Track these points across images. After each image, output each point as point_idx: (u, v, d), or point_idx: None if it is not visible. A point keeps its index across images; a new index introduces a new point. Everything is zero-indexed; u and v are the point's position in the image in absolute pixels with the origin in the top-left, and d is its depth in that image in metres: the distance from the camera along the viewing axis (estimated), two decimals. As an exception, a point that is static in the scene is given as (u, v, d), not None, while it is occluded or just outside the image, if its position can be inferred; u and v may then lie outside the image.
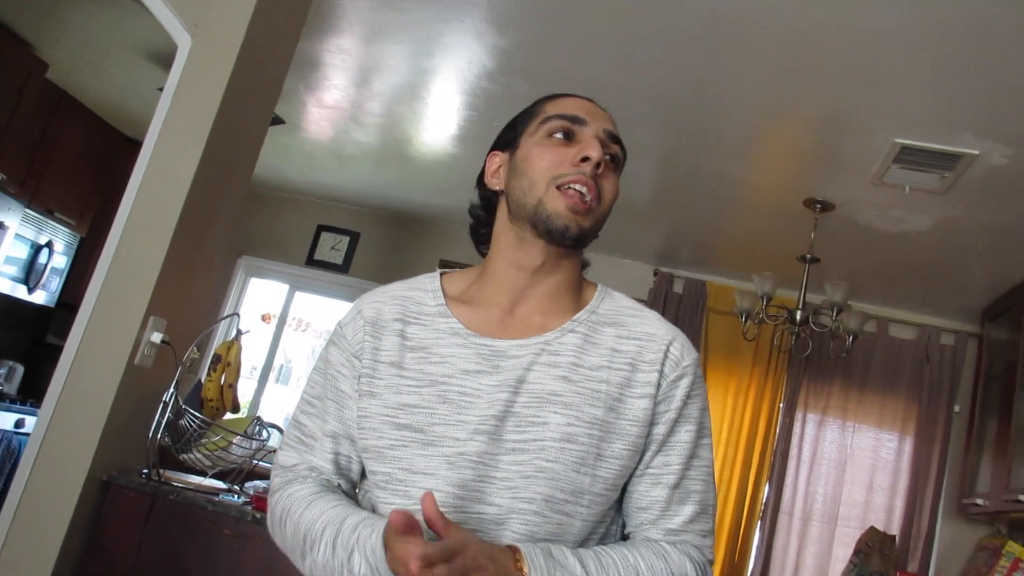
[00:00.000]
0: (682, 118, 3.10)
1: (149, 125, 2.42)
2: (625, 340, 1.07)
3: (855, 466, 4.41)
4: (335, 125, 3.98)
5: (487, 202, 1.16)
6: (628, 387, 1.04)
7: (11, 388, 4.51)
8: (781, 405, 4.56)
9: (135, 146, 2.47)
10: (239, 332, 2.44)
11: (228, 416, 2.43)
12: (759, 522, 4.45)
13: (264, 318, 5.27)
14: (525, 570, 0.91)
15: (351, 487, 1.13)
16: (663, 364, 1.06)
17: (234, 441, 2.26)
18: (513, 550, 0.93)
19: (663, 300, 4.69)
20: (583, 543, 1.03)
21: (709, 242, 4.45)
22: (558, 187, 1.05)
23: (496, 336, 1.06)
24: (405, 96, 3.46)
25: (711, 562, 1.07)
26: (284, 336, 5.23)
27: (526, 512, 0.99)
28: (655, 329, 1.09)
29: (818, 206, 3.50)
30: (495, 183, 1.14)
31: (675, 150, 3.41)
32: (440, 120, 3.63)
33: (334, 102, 3.70)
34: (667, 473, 1.05)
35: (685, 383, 1.06)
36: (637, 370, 1.05)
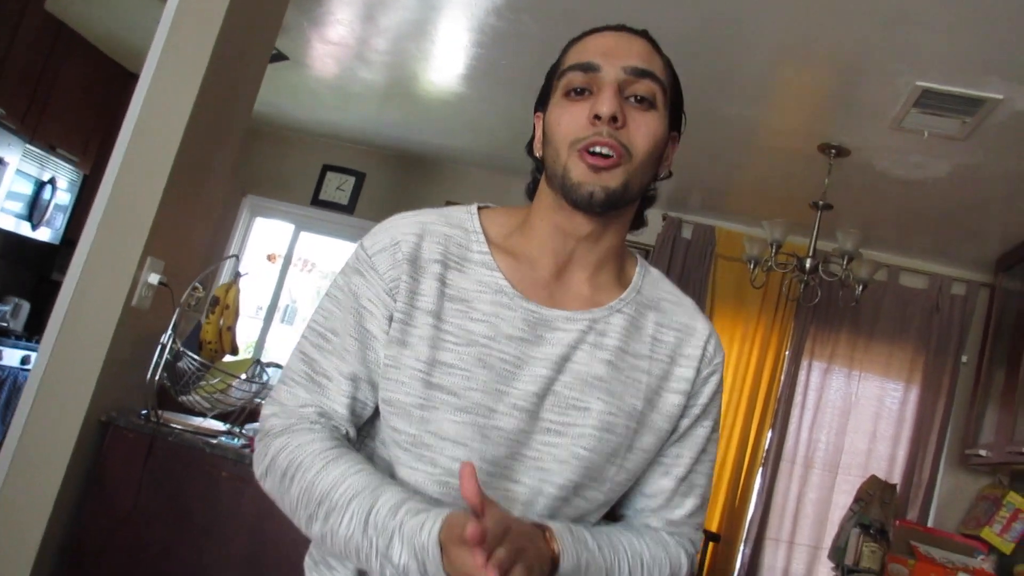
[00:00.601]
0: (696, 60, 3.00)
1: (148, 59, 2.36)
2: (665, 329, 1.04)
3: (859, 415, 4.40)
4: (340, 62, 3.89)
5: (538, 165, 1.06)
6: (666, 380, 1.02)
7: (17, 324, 4.52)
8: (787, 352, 4.54)
9: (137, 80, 2.40)
10: (238, 274, 2.41)
11: (228, 358, 2.41)
12: (760, 468, 4.47)
13: (269, 258, 5.25)
14: (556, 550, 0.88)
15: (356, 433, 1.02)
16: (700, 361, 1.04)
17: (233, 384, 2.25)
18: (543, 528, 0.89)
19: (671, 245, 4.64)
20: (583, 519, 1.01)
21: (720, 187, 4.37)
22: (579, 151, 0.95)
23: (542, 302, 0.99)
24: (412, 32, 3.35)
25: (697, 549, 1.09)
26: (289, 276, 5.20)
27: (554, 497, 0.96)
28: (694, 322, 1.06)
29: (833, 151, 3.41)
30: (538, 149, 1.04)
31: (687, 92, 3.30)
32: (447, 58, 3.53)
33: (339, 38, 3.59)
34: (677, 465, 1.05)
35: (715, 380, 1.05)
36: (676, 364, 1.03)
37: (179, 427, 2.23)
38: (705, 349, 1.04)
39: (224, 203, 3.71)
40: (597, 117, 0.94)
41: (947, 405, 4.29)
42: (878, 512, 3.95)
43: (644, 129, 0.97)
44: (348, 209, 5.09)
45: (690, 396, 1.03)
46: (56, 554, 2.19)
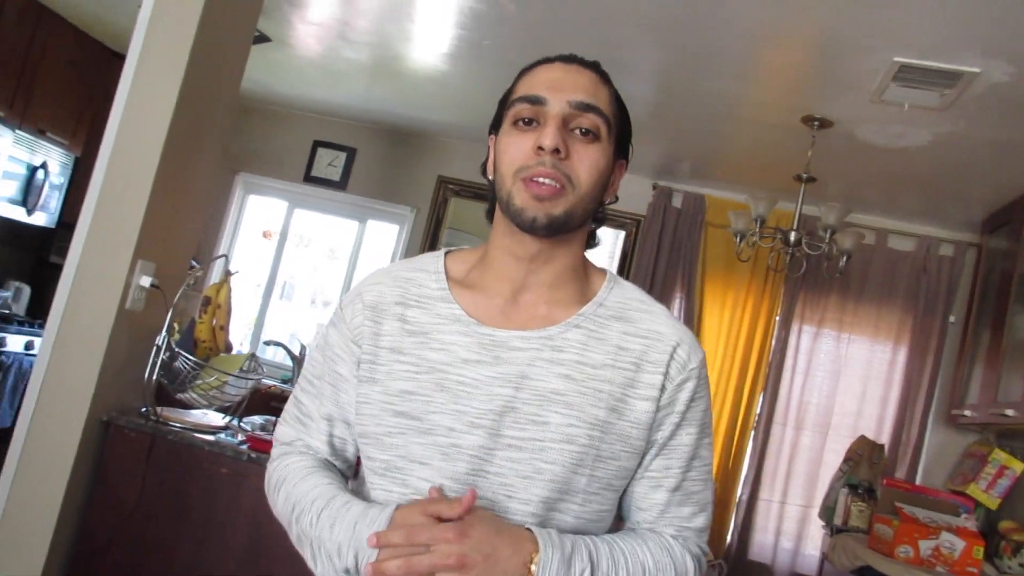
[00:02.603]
0: (679, 37, 3.01)
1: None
2: (631, 338, 1.05)
3: (848, 377, 4.48)
4: (323, 42, 3.88)
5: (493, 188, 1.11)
6: (631, 387, 1.02)
7: (19, 308, 4.59)
8: (777, 318, 4.60)
9: (122, 60, 2.43)
10: (228, 273, 2.46)
11: (223, 355, 2.48)
12: (752, 431, 4.56)
13: (265, 235, 5.29)
14: (533, 569, 0.92)
15: (346, 467, 1.14)
16: (668, 366, 1.04)
17: (228, 381, 2.32)
18: (532, 544, 0.93)
19: (662, 214, 4.67)
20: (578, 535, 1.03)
21: (708, 157, 4.38)
22: (523, 180, 1.00)
23: (498, 325, 1.03)
24: (392, 14, 3.35)
25: (705, 554, 1.10)
26: (286, 253, 5.25)
27: (522, 513, 0.98)
28: (663, 328, 1.06)
29: (816, 123, 3.43)
30: (490, 171, 1.09)
31: (672, 68, 3.31)
32: (430, 39, 3.53)
33: (320, 19, 3.59)
34: (667, 477, 1.05)
35: (689, 387, 1.05)
36: (641, 370, 1.03)
37: (179, 425, 2.30)
38: (674, 355, 1.04)
39: (215, 182, 3.73)
40: (541, 148, 0.99)
41: (935, 365, 4.36)
42: (867, 471, 4.05)
43: (587, 161, 1.01)
44: (340, 185, 5.11)
45: (662, 405, 1.03)
46: (67, 548, 2.29)
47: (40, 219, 4.54)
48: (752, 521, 4.45)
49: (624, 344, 1.04)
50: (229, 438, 2.31)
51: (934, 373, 4.36)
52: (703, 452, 1.08)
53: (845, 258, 3.49)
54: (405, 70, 4.01)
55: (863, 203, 4.33)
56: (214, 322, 2.40)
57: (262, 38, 3.82)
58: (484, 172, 1.12)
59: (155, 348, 2.28)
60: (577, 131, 1.02)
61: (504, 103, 1.08)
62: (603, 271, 1.13)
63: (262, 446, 2.23)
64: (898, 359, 4.43)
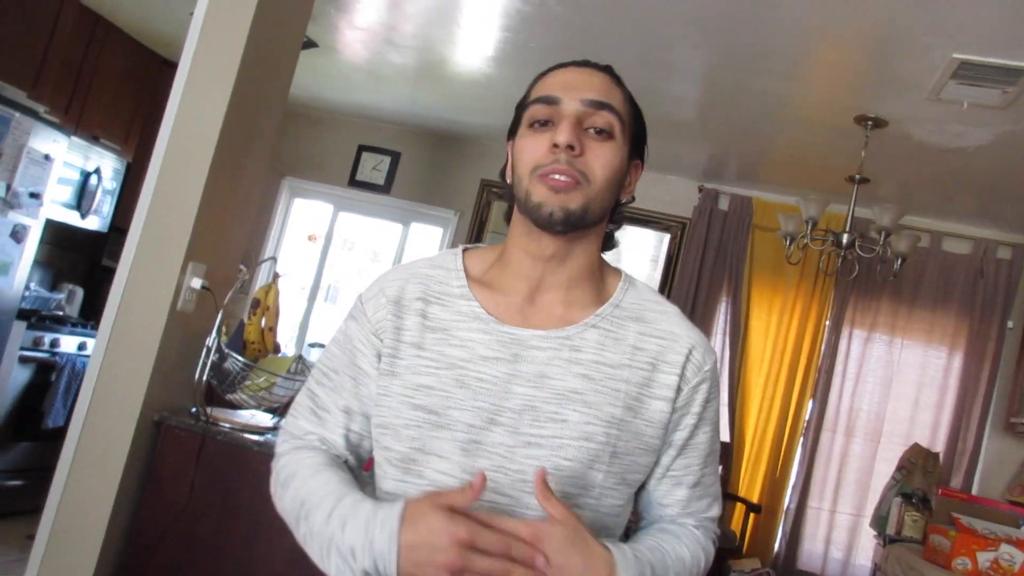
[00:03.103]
0: (728, 36, 2.96)
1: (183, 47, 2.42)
2: (647, 338, 1.07)
3: (901, 382, 4.37)
4: (369, 47, 3.90)
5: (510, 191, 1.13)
6: (647, 387, 1.05)
7: (73, 311, 4.69)
8: (827, 322, 4.51)
9: (173, 68, 2.47)
10: (276, 275, 2.48)
11: (271, 356, 2.50)
12: (801, 438, 4.47)
13: (310, 238, 5.34)
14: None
15: (358, 464, 1.13)
16: (684, 368, 1.07)
17: (276, 382, 2.33)
18: (612, 567, 0.93)
19: (708, 217, 4.61)
20: (599, 534, 1.03)
21: (756, 159, 4.31)
22: (539, 176, 1.02)
23: (517, 324, 1.06)
24: (438, 18, 3.35)
25: (718, 536, 1.17)
26: (330, 256, 5.29)
27: (543, 509, 0.97)
28: (678, 329, 1.09)
29: (870, 123, 3.35)
30: (508, 175, 1.11)
31: (721, 68, 3.27)
32: (475, 42, 3.53)
33: (367, 24, 3.61)
34: (688, 475, 1.10)
35: (704, 388, 1.08)
36: (657, 370, 1.06)
37: (228, 426, 2.32)
38: (690, 356, 1.07)
39: (263, 186, 3.77)
40: (556, 145, 1.01)
41: (992, 371, 4.24)
42: (921, 480, 3.95)
43: (601, 159, 1.03)
44: (384, 189, 5.14)
45: (678, 407, 1.06)
46: (118, 546, 2.32)
47: (93, 223, 4.64)
48: (801, 530, 4.36)
49: (640, 344, 1.06)
50: (277, 439, 2.32)
51: (991, 379, 4.24)
52: (715, 447, 1.13)
53: (900, 261, 3.41)
54: (450, 74, 4.02)
55: (917, 205, 4.23)
56: (263, 324, 2.42)
57: (309, 44, 3.85)
58: (503, 177, 1.14)
59: (205, 349, 2.30)
60: (591, 130, 1.04)
61: (520, 108, 1.10)
62: (618, 271, 1.15)
63: (310, 447, 2.23)
64: (953, 365, 4.31)
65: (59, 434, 2.75)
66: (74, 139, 4.27)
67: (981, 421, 4.21)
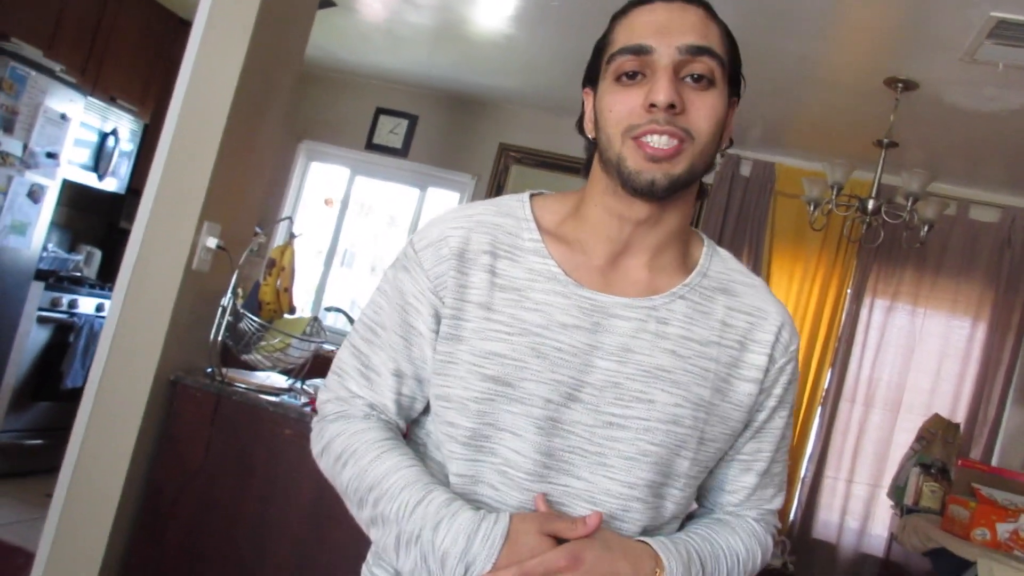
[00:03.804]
0: (752, -6, 2.88)
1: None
2: (736, 313, 0.99)
3: (922, 353, 4.31)
4: (387, 6, 3.83)
5: (591, 144, 1.00)
6: (735, 367, 0.97)
7: (91, 272, 4.70)
8: (848, 291, 4.44)
9: (190, 28, 2.43)
10: (292, 236, 2.46)
11: (286, 317, 2.48)
12: (819, 407, 4.43)
13: (327, 202, 5.31)
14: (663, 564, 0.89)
15: (406, 425, 1.05)
16: (774, 348, 0.99)
17: (291, 343, 2.31)
18: (651, 559, 0.89)
19: (729, 183, 4.53)
20: (670, 522, 0.99)
21: (780, 123, 4.22)
22: (634, 139, 0.90)
23: (597, 288, 0.95)
24: (457, -25, 3.28)
25: (778, 530, 1.11)
26: (347, 220, 5.27)
27: (626, 497, 0.92)
28: (767, 305, 1.01)
29: (900, 85, 3.26)
30: (589, 129, 0.99)
31: (745, 28, 3.14)
32: (495, 0, 3.46)
33: (384, -18, 3.54)
34: (758, 460, 1.03)
35: (789, 370, 1.01)
36: (746, 350, 0.98)
37: (243, 386, 2.32)
38: (779, 335, 0.99)
39: (279, 149, 3.75)
40: (653, 106, 0.89)
41: (1016, 342, 4.17)
42: (940, 451, 3.90)
43: (704, 111, 0.91)
44: (402, 152, 5.09)
45: (764, 386, 0.98)
46: (135, 505, 2.33)
47: (111, 185, 4.63)
48: (817, 499, 4.34)
49: (729, 320, 0.98)
50: (292, 400, 2.31)
51: (1015, 350, 4.17)
52: (787, 432, 1.05)
53: (927, 228, 3.33)
54: (469, 34, 3.95)
55: (945, 171, 4.13)
56: (278, 284, 2.40)
57: (327, 3, 3.79)
58: (580, 130, 1.02)
59: (220, 309, 2.29)
60: (689, 78, 0.91)
61: (599, 51, 0.97)
62: (699, 235, 1.05)
63: (325, 409, 2.22)
64: (977, 335, 4.24)
65: (77, 394, 2.75)
66: (91, 100, 4.24)
67: (1003, 393, 4.15)
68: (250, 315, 2.29)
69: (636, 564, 0.87)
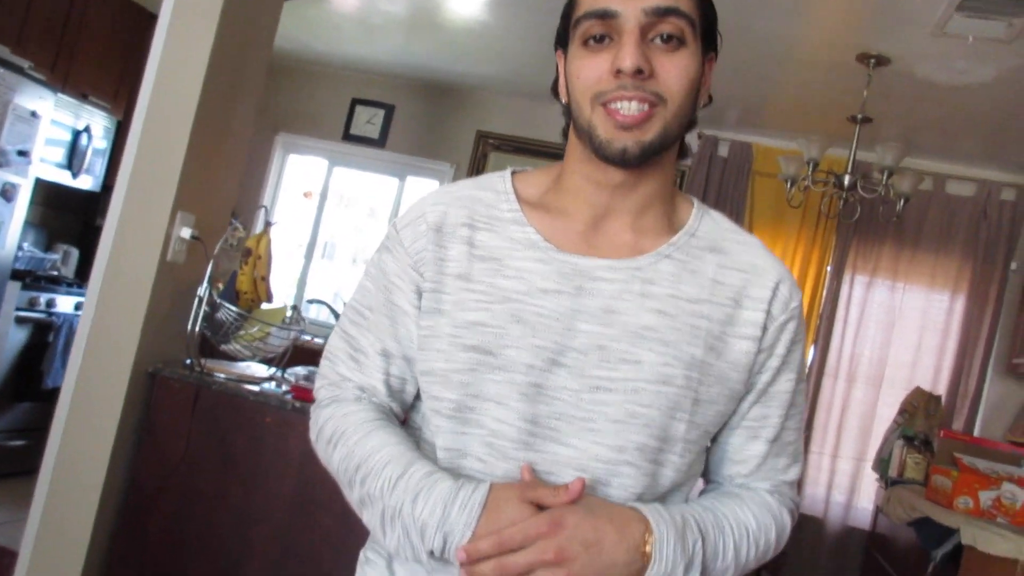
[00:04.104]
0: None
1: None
2: (728, 271, 0.95)
3: (903, 327, 4.34)
4: (359, -6, 3.81)
5: (566, 109, 0.98)
6: (730, 325, 0.93)
7: (68, 271, 4.66)
8: (828, 268, 4.47)
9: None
10: (268, 224, 2.44)
11: (264, 306, 2.47)
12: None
13: (306, 195, 5.28)
14: (648, 550, 0.84)
15: (402, 410, 1.03)
16: (771, 304, 0.95)
17: (271, 332, 2.30)
18: (640, 523, 0.85)
19: (707, 164, 4.54)
20: (672, 492, 0.95)
21: (756, 103, 4.23)
22: (603, 106, 0.89)
23: (579, 252, 0.93)
24: (428, -40, 3.26)
25: (797, 506, 1.04)
26: (327, 212, 5.24)
27: (616, 462, 0.89)
28: (762, 261, 0.97)
29: (872, 61, 3.27)
30: (563, 93, 0.97)
31: (720, 10, 3.18)
32: (467, -16, 3.44)
33: (355, -31, 3.52)
34: (766, 427, 0.98)
35: (791, 328, 0.96)
36: (741, 307, 0.94)
37: (223, 375, 2.30)
38: (776, 291, 0.95)
39: (255, 143, 3.73)
40: (620, 71, 0.87)
41: (995, 314, 4.21)
42: (923, 423, 3.94)
43: (675, 72, 0.88)
44: (380, 143, 5.07)
45: (763, 345, 0.94)
46: (117, 498, 2.32)
47: (86, 183, 4.59)
48: (803, 474, 4.37)
49: (720, 278, 0.94)
50: (274, 388, 2.30)
51: (994, 322, 4.21)
52: (799, 400, 1.00)
53: (902, 201, 3.36)
54: (444, 22, 3.93)
55: (920, 147, 4.16)
56: (255, 274, 2.38)
57: (297, -9, 3.76)
58: (555, 94, 1.00)
59: (197, 299, 2.27)
60: (658, 39, 0.88)
61: (567, 14, 0.95)
62: (689, 198, 1.03)
63: (306, 396, 2.21)
64: (956, 308, 4.28)
65: (59, 394, 2.74)
66: (62, 97, 4.20)
67: (983, 363, 4.19)
68: (227, 304, 2.28)
69: (623, 529, 0.84)
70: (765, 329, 0.94)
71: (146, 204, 2.28)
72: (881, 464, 3.95)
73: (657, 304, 0.91)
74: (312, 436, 1.03)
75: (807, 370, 4.37)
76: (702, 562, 0.87)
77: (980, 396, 4.20)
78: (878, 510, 4.10)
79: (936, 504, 3.18)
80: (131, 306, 2.28)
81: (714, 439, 0.99)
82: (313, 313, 4.72)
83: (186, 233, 2.29)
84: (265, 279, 2.40)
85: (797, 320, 0.97)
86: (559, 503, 0.84)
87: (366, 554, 1.03)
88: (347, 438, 0.95)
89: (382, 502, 0.88)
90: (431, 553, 0.85)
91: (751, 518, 0.95)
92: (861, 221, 3.89)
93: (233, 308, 2.30)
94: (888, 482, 3.84)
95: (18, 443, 4.00)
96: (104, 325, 2.28)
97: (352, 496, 0.94)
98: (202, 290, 2.25)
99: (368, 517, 0.92)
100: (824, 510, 4.32)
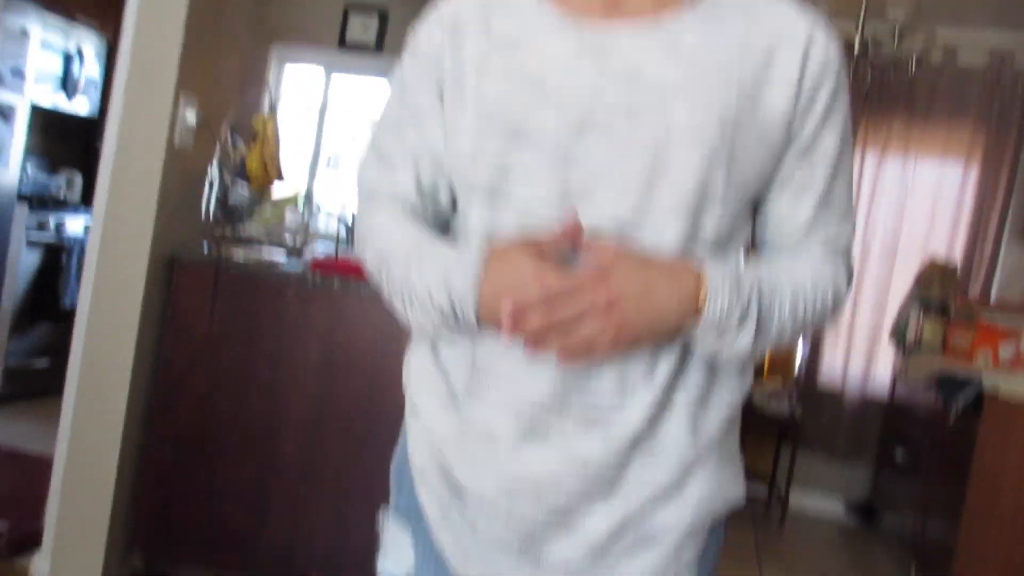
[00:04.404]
0: None
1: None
2: (758, 27, 0.90)
3: (916, 199, 4.30)
4: None
5: None
6: (764, 81, 0.88)
7: (74, 195, 4.64)
8: (840, 144, 4.40)
9: None
10: (272, 107, 2.40)
11: (275, 199, 2.45)
12: (817, 263, 4.45)
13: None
14: (703, 298, 0.82)
15: (436, 215, 1.03)
16: (805, 58, 0.89)
17: (286, 212, 2.29)
18: (691, 272, 0.83)
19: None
20: (712, 252, 0.91)
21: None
22: None
23: (599, 17, 0.90)
24: None
25: (852, 275, 1.00)
26: (328, 122, 5.18)
27: (653, 224, 0.86)
28: (794, 12, 0.91)
29: (880, -86, 3.16)
30: None
31: None
32: None
33: None
34: (811, 186, 0.93)
35: (831, 81, 0.91)
36: (772, 65, 0.88)
37: (242, 257, 2.30)
38: (811, 43, 0.89)
39: (252, 53, 3.64)
40: None
41: (1009, 180, 4.16)
42: (939, 292, 3.94)
43: None
44: (376, 48, 4.97)
45: (800, 101, 0.89)
46: (147, 380, 2.34)
47: (83, 107, 4.53)
48: (820, 349, 4.40)
49: (749, 39, 0.89)
50: (293, 265, 2.30)
51: (1008, 190, 4.16)
52: (846, 160, 0.95)
53: (914, 60, 3.28)
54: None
55: (931, 13, 4.05)
56: (263, 153, 2.36)
57: None
58: None
59: (208, 183, 2.26)
60: None
61: None
62: None
63: (327, 270, 2.21)
64: (970, 177, 4.22)
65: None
66: (49, 16, 4.11)
67: (998, 231, 4.16)
68: (240, 179, 2.26)
69: (675, 278, 0.83)
70: (800, 83, 0.89)
71: (148, 86, 2.24)
72: (898, 333, 3.97)
73: (684, 58, 0.88)
74: (356, 248, 1.07)
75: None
76: (757, 314, 0.86)
77: (996, 263, 4.19)
78: (895, 381, 4.14)
79: (955, 361, 3.20)
80: (143, 196, 2.26)
81: (761, 205, 0.96)
82: (323, 225, 4.70)
83: (191, 118, 2.26)
84: (274, 157, 2.38)
85: (836, 72, 0.91)
86: (560, 246, 0.84)
87: (411, 347, 1.04)
88: (373, 237, 0.99)
89: (401, 283, 0.92)
90: (441, 312, 0.87)
91: (807, 278, 0.92)
92: (871, 93, 3.81)
93: (245, 185, 2.28)
94: (906, 350, 3.86)
95: (43, 364, 4.05)
96: (118, 214, 2.27)
97: (384, 292, 0.97)
98: (212, 169, 2.23)
99: (399, 306, 0.94)
100: (842, 384, 4.36)
